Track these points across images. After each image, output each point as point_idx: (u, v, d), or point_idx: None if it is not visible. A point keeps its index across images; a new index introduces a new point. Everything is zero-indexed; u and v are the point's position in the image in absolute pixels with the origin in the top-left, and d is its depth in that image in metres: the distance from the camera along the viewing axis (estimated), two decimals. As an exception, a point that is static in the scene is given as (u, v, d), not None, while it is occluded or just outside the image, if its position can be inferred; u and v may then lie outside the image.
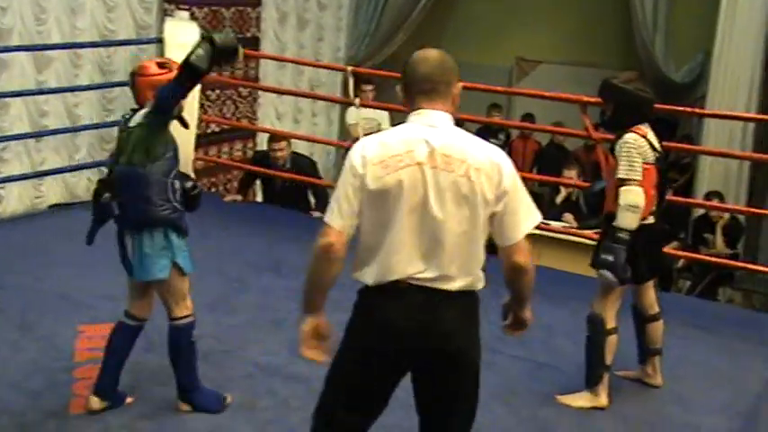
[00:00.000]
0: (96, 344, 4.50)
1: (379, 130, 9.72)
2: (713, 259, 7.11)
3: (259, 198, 8.04)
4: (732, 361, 4.90)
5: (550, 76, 10.99)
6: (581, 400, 4.19)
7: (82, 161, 7.32)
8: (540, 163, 9.79)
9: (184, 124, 3.86)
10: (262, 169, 7.42)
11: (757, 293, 8.24)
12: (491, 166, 2.63)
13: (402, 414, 3.02)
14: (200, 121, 7.63)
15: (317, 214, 7.57)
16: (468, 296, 2.68)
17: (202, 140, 8.11)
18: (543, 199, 9.01)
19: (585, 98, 6.23)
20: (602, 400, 4.18)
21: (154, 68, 3.80)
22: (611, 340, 4.15)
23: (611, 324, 4.14)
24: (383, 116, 9.18)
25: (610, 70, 10.72)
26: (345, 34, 10.35)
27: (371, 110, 8.59)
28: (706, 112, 8.10)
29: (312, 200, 7.66)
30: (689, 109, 7.58)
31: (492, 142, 10.22)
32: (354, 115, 7.90)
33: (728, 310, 6.89)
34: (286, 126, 9.34)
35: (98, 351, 4.43)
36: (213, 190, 8.73)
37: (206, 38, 3.46)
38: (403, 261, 2.62)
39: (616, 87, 4.18)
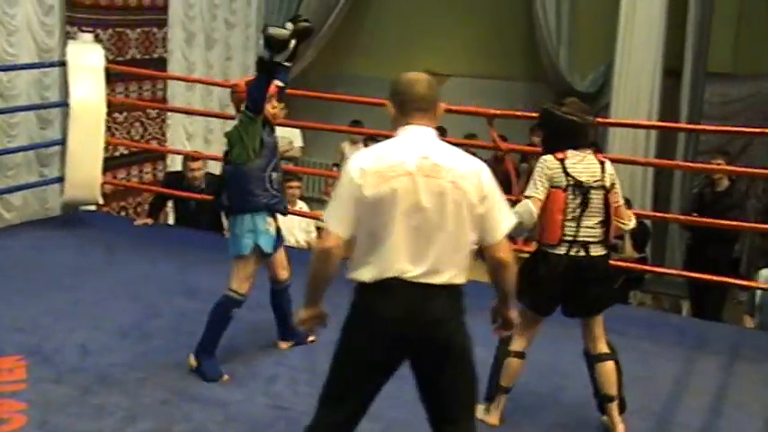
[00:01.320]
0: (3, 377, 4.36)
1: (291, 149, 9.75)
2: (623, 264, 7.27)
3: (171, 221, 7.92)
4: (645, 362, 5.00)
5: (460, 90, 11.11)
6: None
7: (-18, 186, 7.10)
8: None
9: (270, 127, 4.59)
10: (174, 192, 7.32)
11: (666, 295, 8.46)
12: (473, 174, 2.98)
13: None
14: (108, 144, 7.48)
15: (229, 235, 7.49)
16: (453, 288, 3.02)
17: (111, 164, 7.95)
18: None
19: (492, 111, 6.33)
20: (492, 419, 4.14)
21: (243, 86, 4.55)
22: (511, 363, 4.10)
23: (515, 346, 4.11)
24: (295, 134, 9.18)
25: (517, 82, 11.03)
26: (254, 53, 10.29)
27: (283, 128, 8.56)
28: (608, 120, 8.30)
29: (225, 221, 7.57)
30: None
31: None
32: (265, 134, 7.87)
33: (640, 313, 7.06)
34: (197, 147, 9.21)
35: (5, 384, 4.30)
36: (123, 214, 8.57)
37: (262, 31, 4.20)
38: (398, 260, 2.94)
39: (546, 112, 4.15)
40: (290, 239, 7.73)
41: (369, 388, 3.07)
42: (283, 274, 4.77)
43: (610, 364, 4.10)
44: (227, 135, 4.53)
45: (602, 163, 4.04)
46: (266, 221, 4.50)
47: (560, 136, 4.04)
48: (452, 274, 2.99)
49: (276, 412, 4.22)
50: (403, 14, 11.55)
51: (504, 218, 3.05)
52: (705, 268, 6.64)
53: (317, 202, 10.65)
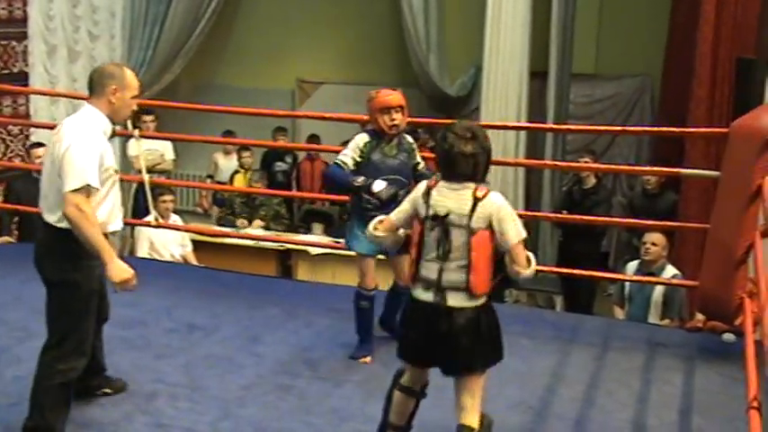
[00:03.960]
0: None
1: (162, 162, 9.54)
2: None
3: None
4: (521, 358, 5.11)
5: (332, 97, 11.17)
6: None
7: None
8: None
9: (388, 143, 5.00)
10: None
11: (540, 292, 8.69)
12: (64, 141, 3.71)
13: None
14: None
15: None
16: (55, 229, 3.76)
17: (-28, 184, 7.65)
18: (334, 218, 9.11)
19: (364, 117, 6.34)
20: None
21: (373, 95, 5.12)
22: (397, 397, 3.77)
23: (403, 379, 3.76)
24: (167, 146, 9.00)
25: (389, 88, 11.10)
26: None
27: (154, 140, 8.41)
28: (479, 123, 8.47)
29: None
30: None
31: (279, 166, 10.24)
32: (135, 147, 7.69)
33: (516, 310, 7.20)
34: (64, 162, 8.95)
35: None
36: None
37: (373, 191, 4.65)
38: (40, 199, 3.87)
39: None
40: (165, 254, 7.60)
41: None
42: (399, 280, 5.02)
43: None
44: None
45: (476, 199, 3.49)
46: (361, 227, 4.67)
47: (438, 162, 3.59)
48: (55, 216, 3.73)
49: (157, 430, 4.14)
50: (272, 23, 11.52)
51: (69, 179, 3.62)
52: (576, 264, 6.84)
53: (192, 214, 10.49)
